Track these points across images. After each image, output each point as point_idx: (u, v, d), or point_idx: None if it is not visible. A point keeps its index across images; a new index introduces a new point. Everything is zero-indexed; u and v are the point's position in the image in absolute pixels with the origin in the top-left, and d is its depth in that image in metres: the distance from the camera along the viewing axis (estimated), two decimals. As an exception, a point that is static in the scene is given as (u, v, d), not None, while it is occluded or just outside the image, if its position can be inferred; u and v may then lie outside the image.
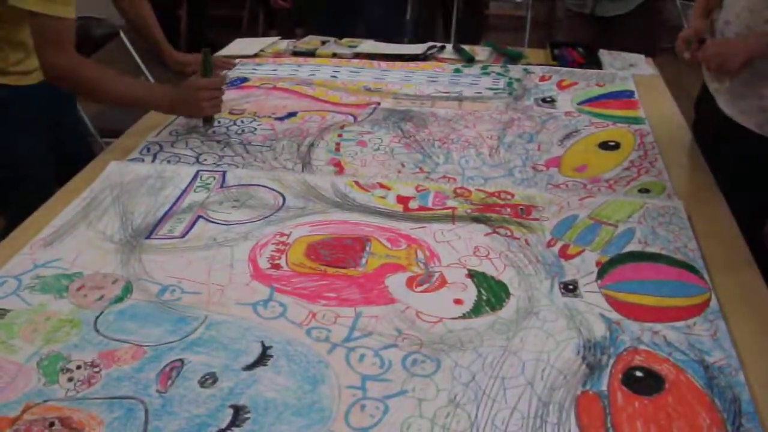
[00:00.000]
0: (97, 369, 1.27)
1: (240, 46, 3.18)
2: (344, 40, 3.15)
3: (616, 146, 2.10)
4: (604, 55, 2.95)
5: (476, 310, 1.41)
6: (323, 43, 3.13)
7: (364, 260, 1.56)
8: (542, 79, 2.66)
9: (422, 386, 1.23)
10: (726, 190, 1.86)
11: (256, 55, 3.03)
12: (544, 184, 1.89)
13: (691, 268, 1.53)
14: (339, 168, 1.98)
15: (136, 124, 2.32)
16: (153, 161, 2.04)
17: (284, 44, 3.15)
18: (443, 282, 1.50)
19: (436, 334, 1.35)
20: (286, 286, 1.48)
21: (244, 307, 1.42)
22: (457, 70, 2.77)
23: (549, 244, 1.62)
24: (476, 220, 1.71)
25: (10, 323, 1.39)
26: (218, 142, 2.16)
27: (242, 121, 2.29)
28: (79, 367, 1.27)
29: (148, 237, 1.67)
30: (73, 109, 2.66)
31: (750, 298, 1.46)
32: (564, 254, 1.58)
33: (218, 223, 1.72)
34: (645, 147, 2.09)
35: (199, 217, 1.74)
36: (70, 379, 1.25)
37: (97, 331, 1.36)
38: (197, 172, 1.95)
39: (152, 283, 1.50)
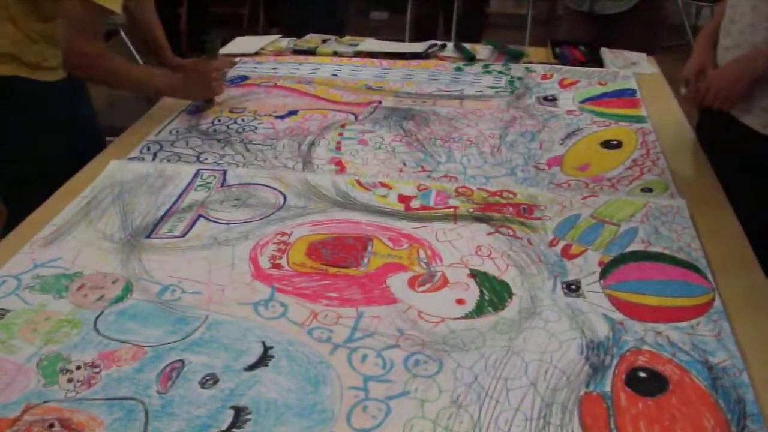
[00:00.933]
0: (97, 370, 1.26)
1: (240, 44, 3.17)
2: (345, 38, 3.15)
3: (619, 145, 2.09)
4: (605, 53, 2.94)
5: (478, 310, 1.40)
6: (324, 41, 3.13)
7: (365, 260, 1.55)
8: (544, 77, 2.66)
9: (424, 387, 1.22)
10: (730, 189, 1.85)
11: (256, 54, 3.02)
12: (546, 183, 1.89)
13: (695, 268, 1.52)
14: (340, 167, 1.98)
15: (137, 123, 2.31)
16: (153, 160, 2.03)
17: (285, 42, 3.14)
18: (445, 282, 1.49)
19: (438, 334, 1.34)
20: (287, 286, 1.48)
21: (245, 307, 1.42)
22: (458, 69, 2.76)
23: (551, 244, 1.61)
24: (478, 219, 1.71)
25: (10, 323, 1.38)
26: (219, 140, 2.15)
27: (243, 120, 2.29)
28: (78, 368, 1.27)
29: (148, 236, 1.66)
30: (88, 102, 2.67)
31: (754, 298, 1.45)
32: (566, 254, 1.57)
33: (219, 223, 1.71)
34: (647, 146, 2.08)
35: (200, 216, 1.74)
36: (70, 380, 1.24)
37: (97, 331, 1.36)
38: (198, 170, 1.94)
39: (152, 282, 1.50)
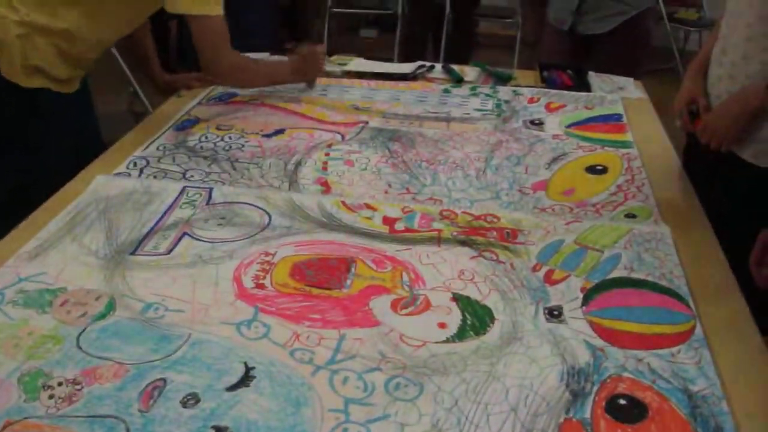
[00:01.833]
0: (78, 386, 1.27)
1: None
2: (334, 58, 3.15)
3: (604, 170, 2.10)
4: (593, 78, 2.95)
5: (460, 335, 1.41)
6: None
7: (348, 282, 1.56)
8: (531, 100, 2.67)
9: (405, 410, 1.23)
10: (716, 218, 1.86)
11: (245, 71, 3.01)
12: (530, 208, 1.89)
13: (677, 295, 1.53)
14: (326, 187, 1.98)
15: (123, 138, 2.31)
16: (140, 176, 2.03)
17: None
18: (428, 305, 1.49)
19: (419, 357, 1.34)
20: (270, 306, 1.48)
21: (228, 327, 1.42)
22: (446, 91, 2.77)
23: (534, 269, 1.62)
24: (462, 243, 1.71)
25: (-8, 338, 1.38)
26: (205, 158, 2.15)
27: (230, 137, 2.29)
28: (60, 384, 1.27)
29: (132, 253, 1.66)
30: (93, 113, 2.67)
31: (735, 326, 1.46)
32: (549, 279, 1.58)
33: (203, 241, 1.71)
34: (632, 171, 2.09)
35: (185, 234, 1.74)
36: (51, 396, 1.24)
37: (80, 347, 1.36)
38: (183, 188, 1.95)
39: (136, 300, 1.50)
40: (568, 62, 3.22)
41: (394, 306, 1.49)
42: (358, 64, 3.09)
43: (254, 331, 1.41)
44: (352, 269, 1.60)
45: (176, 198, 1.89)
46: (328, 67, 3.00)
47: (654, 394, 1.26)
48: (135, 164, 2.11)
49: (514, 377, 1.30)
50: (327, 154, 2.18)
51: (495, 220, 1.81)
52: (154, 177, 2.03)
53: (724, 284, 1.60)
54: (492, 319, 1.45)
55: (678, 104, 2.25)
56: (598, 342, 1.39)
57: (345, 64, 3.06)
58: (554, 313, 1.47)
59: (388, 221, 1.80)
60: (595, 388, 1.27)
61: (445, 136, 2.33)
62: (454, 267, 1.62)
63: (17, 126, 2.28)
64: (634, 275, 1.59)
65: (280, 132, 2.34)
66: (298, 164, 2.11)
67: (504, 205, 1.90)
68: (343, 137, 2.31)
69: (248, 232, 1.75)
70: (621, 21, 3.45)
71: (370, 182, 2.02)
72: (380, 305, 1.49)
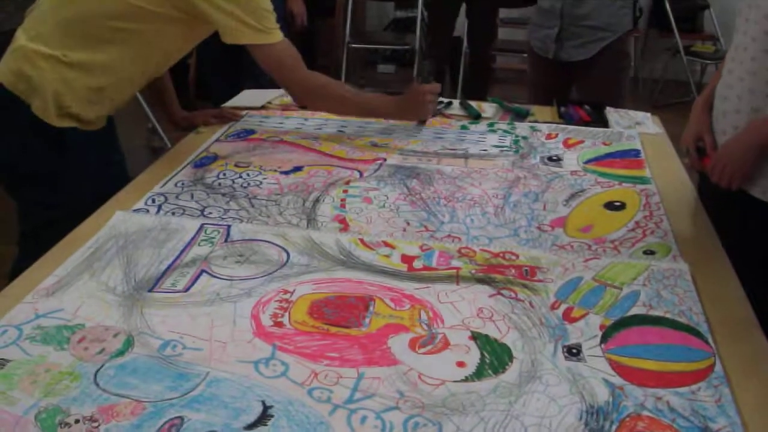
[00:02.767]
0: (96, 424, 1.26)
1: (247, 97, 3.19)
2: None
3: (622, 206, 2.10)
4: (611, 113, 2.95)
5: (479, 374, 1.40)
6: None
7: (367, 320, 1.55)
8: (549, 137, 2.67)
9: (423, 450, 1.22)
10: (733, 254, 1.85)
11: (263, 107, 3.04)
12: (549, 245, 1.89)
13: (696, 333, 1.52)
14: (344, 225, 1.98)
15: (142, 174, 2.32)
16: (158, 212, 2.04)
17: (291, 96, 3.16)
18: (446, 344, 1.49)
19: (438, 396, 1.34)
20: (288, 345, 1.47)
21: (246, 365, 1.42)
22: (464, 127, 2.78)
23: (553, 307, 1.61)
24: (480, 281, 1.71)
25: (10, 374, 1.38)
26: (223, 194, 2.15)
27: (248, 174, 2.30)
28: (77, 422, 1.27)
29: (150, 290, 1.66)
30: (119, 148, 2.69)
31: (755, 364, 1.45)
32: (568, 317, 1.57)
33: (222, 278, 1.71)
34: (651, 207, 2.09)
35: (203, 271, 1.74)
36: (69, 435, 1.24)
37: (97, 384, 1.36)
38: (202, 225, 1.95)
39: (154, 337, 1.50)
40: (555, 90, 3.39)
41: (413, 344, 1.48)
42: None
43: (272, 369, 1.41)
44: (371, 307, 1.60)
45: (194, 235, 1.90)
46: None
47: (674, 434, 1.26)
48: (153, 201, 2.12)
49: (533, 416, 1.29)
50: (345, 191, 2.19)
51: (514, 257, 1.81)
52: (173, 213, 2.03)
53: (744, 322, 1.59)
54: (511, 357, 1.45)
55: (684, 142, 2.26)
56: (618, 380, 1.38)
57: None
58: (573, 351, 1.46)
59: (406, 259, 1.79)
60: (614, 427, 1.26)
61: (463, 173, 2.34)
62: (472, 305, 1.62)
63: (44, 162, 2.30)
64: (653, 312, 1.59)
65: (298, 169, 2.35)
66: (316, 201, 2.12)
67: (522, 242, 1.90)
68: (361, 174, 2.32)
69: (266, 269, 1.75)
70: (601, 46, 3.55)
71: (389, 220, 2.02)
72: (399, 344, 1.48)
